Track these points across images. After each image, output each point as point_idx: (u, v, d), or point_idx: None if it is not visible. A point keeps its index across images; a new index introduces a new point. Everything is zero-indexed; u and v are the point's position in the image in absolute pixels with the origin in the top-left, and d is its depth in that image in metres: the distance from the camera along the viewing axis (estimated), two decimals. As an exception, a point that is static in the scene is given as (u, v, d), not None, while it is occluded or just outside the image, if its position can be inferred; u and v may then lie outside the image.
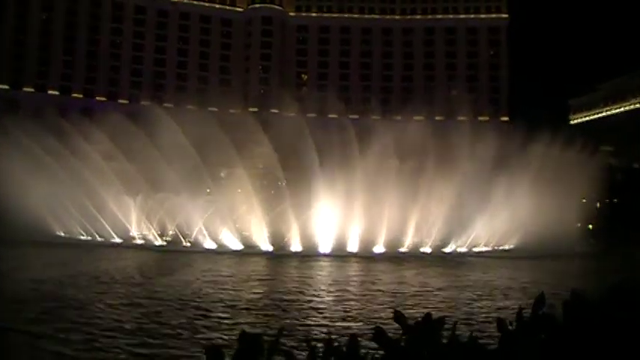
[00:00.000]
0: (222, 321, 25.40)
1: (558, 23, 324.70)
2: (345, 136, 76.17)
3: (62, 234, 79.30)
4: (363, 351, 3.85)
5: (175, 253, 64.74)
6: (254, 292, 35.51)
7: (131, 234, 78.03)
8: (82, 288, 34.60)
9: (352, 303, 31.66)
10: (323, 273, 50.17)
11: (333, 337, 4.41)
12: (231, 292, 34.96)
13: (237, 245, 71.88)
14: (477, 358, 3.68)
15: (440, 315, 3.97)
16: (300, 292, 35.47)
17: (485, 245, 78.17)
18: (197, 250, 68.60)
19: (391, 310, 6.77)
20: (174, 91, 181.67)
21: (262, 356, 3.57)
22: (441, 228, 75.19)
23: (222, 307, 29.00)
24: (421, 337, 3.67)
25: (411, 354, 3.63)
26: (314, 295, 34.78)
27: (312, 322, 25.50)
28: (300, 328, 24.09)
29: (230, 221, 75.15)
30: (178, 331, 22.92)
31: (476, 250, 76.95)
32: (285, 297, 33.52)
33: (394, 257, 66.41)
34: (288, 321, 25.56)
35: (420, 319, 3.79)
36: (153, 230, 77.62)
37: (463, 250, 76.64)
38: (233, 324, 24.61)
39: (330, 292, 36.90)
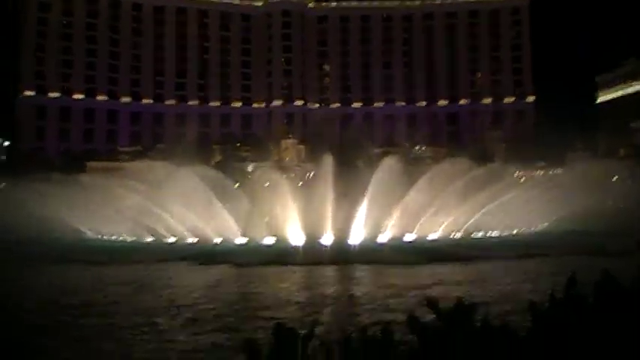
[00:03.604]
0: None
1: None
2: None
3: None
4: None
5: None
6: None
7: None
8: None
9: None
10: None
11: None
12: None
13: (268, 240, 71.70)
14: (510, 341, 3.69)
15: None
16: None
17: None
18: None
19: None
20: (197, 88, 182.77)
21: (297, 348, 3.60)
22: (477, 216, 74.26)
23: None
24: (455, 322, 3.67)
25: (447, 338, 3.64)
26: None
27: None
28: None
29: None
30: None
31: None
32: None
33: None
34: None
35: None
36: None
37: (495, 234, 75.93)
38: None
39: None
